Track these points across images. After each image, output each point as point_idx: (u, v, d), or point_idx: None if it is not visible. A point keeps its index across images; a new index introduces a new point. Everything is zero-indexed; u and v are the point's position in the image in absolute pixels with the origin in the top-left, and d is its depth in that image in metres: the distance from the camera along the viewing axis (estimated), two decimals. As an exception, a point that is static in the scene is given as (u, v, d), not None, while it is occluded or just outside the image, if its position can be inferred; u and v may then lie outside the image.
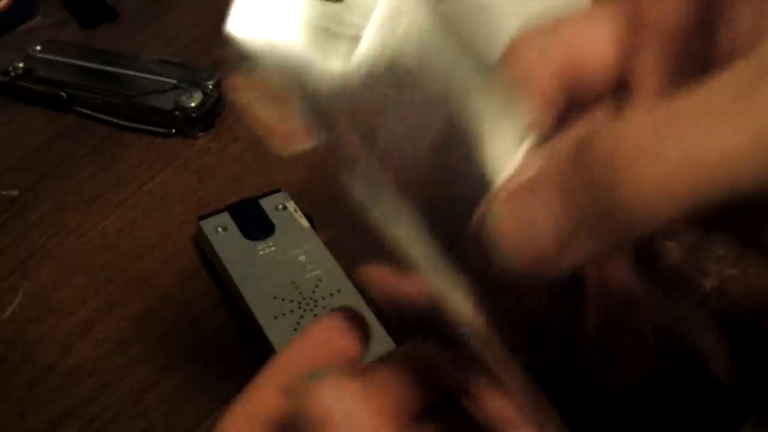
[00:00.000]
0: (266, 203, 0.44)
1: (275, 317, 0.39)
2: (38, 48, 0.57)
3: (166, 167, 0.50)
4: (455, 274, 0.22)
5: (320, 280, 0.40)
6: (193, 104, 0.51)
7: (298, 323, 0.39)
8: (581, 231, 0.19)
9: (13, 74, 0.56)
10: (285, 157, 0.24)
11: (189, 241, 0.45)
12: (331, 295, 0.40)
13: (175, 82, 0.53)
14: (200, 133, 0.52)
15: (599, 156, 0.19)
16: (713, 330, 0.25)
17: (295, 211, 0.44)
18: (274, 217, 0.43)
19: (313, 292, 0.40)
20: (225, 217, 0.43)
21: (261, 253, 0.42)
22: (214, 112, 0.52)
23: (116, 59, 0.56)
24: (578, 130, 0.24)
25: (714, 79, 0.19)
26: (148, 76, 0.54)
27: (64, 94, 0.54)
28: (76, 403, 0.37)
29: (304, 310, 0.39)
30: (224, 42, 0.22)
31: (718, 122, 0.18)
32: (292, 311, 0.39)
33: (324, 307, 0.39)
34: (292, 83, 0.22)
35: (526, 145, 0.22)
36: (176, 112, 0.51)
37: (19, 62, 0.56)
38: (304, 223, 0.43)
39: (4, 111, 0.56)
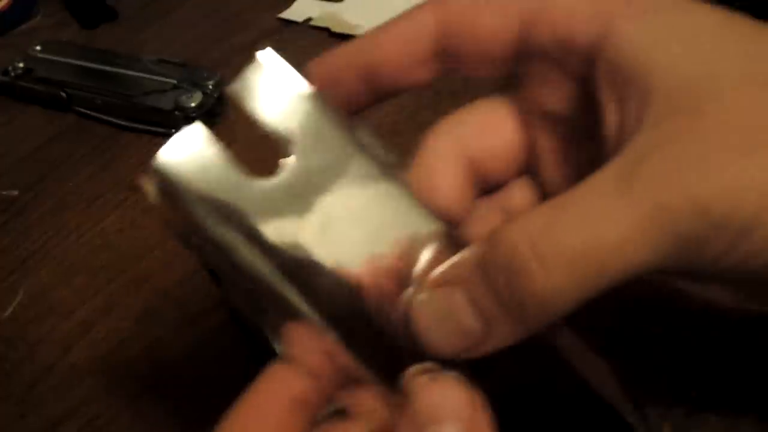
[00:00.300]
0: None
1: (275, 317, 0.39)
2: (38, 48, 0.57)
3: (166, 167, 0.50)
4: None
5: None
6: (193, 104, 0.51)
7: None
8: (502, 318, 0.21)
9: (13, 74, 0.56)
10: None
11: (189, 241, 0.45)
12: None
13: (175, 82, 0.53)
14: (200, 133, 0.52)
15: (505, 253, 0.21)
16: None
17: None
18: None
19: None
20: None
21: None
22: (214, 112, 0.52)
23: (116, 59, 0.56)
24: (492, 216, 0.27)
25: (598, 173, 0.21)
26: (148, 76, 0.54)
27: (64, 94, 0.54)
28: (76, 403, 0.37)
29: (304, 310, 0.39)
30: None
31: (605, 214, 0.20)
32: (292, 311, 0.39)
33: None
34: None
35: (440, 240, 0.24)
36: (176, 112, 0.51)
37: (19, 62, 0.56)
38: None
39: (4, 111, 0.56)
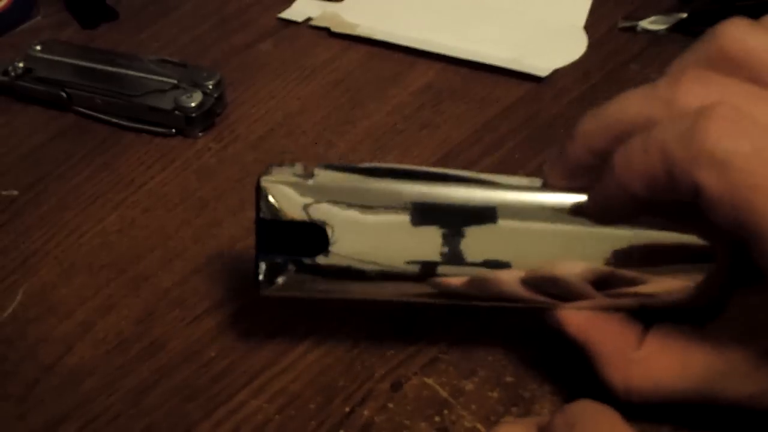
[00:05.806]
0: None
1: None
2: (38, 48, 0.57)
3: (166, 167, 0.50)
4: None
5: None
6: (193, 104, 0.51)
7: (298, 323, 0.39)
8: None
9: (13, 74, 0.56)
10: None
11: (189, 241, 0.45)
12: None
13: (175, 82, 0.53)
14: (200, 133, 0.52)
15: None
16: None
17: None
18: None
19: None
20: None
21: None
22: (214, 112, 0.52)
23: (116, 59, 0.56)
24: None
25: None
26: (148, 76, 0.54)
27: (64, 94, 0.54)
28: (76, 403, 0.37)
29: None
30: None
31: None
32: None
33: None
34: None
35: None
36: (176, 112, 0.51)
37: (19, 62, 0.56)
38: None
39: (4, 111, 0.56)
